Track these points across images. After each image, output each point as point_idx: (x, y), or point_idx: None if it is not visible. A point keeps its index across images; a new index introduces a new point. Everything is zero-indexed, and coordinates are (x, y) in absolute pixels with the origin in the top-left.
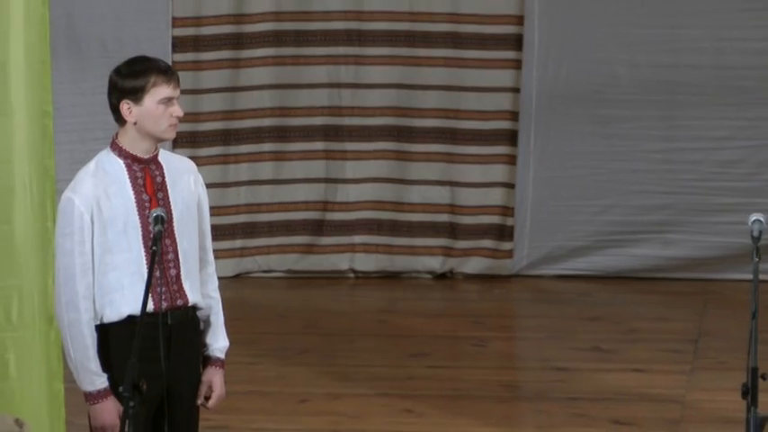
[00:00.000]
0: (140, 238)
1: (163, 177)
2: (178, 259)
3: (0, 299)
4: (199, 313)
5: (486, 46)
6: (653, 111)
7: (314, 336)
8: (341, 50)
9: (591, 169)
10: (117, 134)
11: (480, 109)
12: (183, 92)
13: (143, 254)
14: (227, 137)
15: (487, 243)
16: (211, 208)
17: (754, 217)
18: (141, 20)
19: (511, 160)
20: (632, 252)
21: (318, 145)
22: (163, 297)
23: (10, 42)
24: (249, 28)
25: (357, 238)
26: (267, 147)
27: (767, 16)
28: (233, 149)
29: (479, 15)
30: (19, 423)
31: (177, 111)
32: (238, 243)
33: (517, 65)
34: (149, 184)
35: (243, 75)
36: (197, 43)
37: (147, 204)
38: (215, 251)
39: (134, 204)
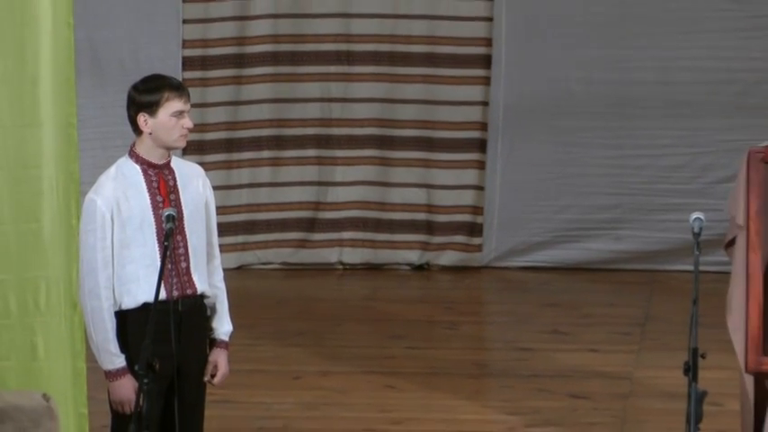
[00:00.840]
0: (155, 234)
1: (175, 181)
2: (188, 253)
3: (29, 288)
4: (206, 301)
5: (459, 65)
6: (604, 122)
7: (307, 320)
8: (331, 69)
9: (550, 174)
10: (134, 143)
11: (453, 120)
12: (193, 105)
13: (157, 248)
14: (230, 145)
15: (460, 238)
16: (217, 208)
17: (694, 215)
18: (155, 42)
19: (480, 166)
20: (587, 246)
21: (311, 152)
22: (174, 287)
23: (40, 63)
24: (250, 49)
25: (345, 234)
26: (265, 154)
27: (705, 39)
28: (235, 156)
29: (453, 38)
30: (46, 398)
31: (188, 122)
32: (240, 239)
33: (486, 81)
34: (162, 187)
35: (244, 90)
36: (204, 63)
37: (160, 205)
38: (220, 246)
39: (149, 205)
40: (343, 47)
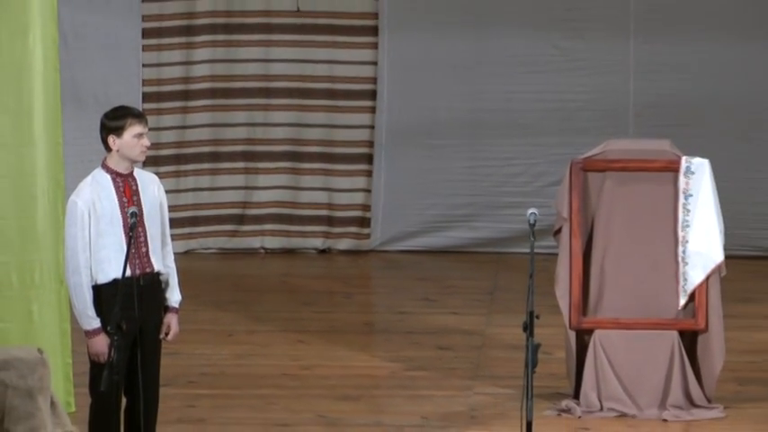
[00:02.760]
0: (122, 227)
1: (137, 186)
2: (147, 241)
3: (27, 267)
4: (161, 277)
5: (352, 97)
6: (462, 140)
7: (237, 292)
8: (255, 101)
9: (421, 179)
10: (105, 158)
11: (347, 140)
12: (150, 129)
13: (123, 237)
14: (178, 159)
15: (353, 229)
16: (168, 206)
17: (530, 210)
18: (122, 81)
19: (368, 174)
20: (449, 234)
21: (240, 164)
22: (137, 266)
23: (34, 98)
24: (193, 86)
25: (266, 227)
26: (205, 165)
27: (539, 77)
28: (182, 167)
29: (347, 77)
30: (40, 351)
31: (146, 142)
32: (187, 230)
33: (372, 110)
34: (127, 191)
35: (189, 118)
36: (159, 97)
37: (126, 204)
38: (171, 235)
39: (117, 204)
40: (263, 84)
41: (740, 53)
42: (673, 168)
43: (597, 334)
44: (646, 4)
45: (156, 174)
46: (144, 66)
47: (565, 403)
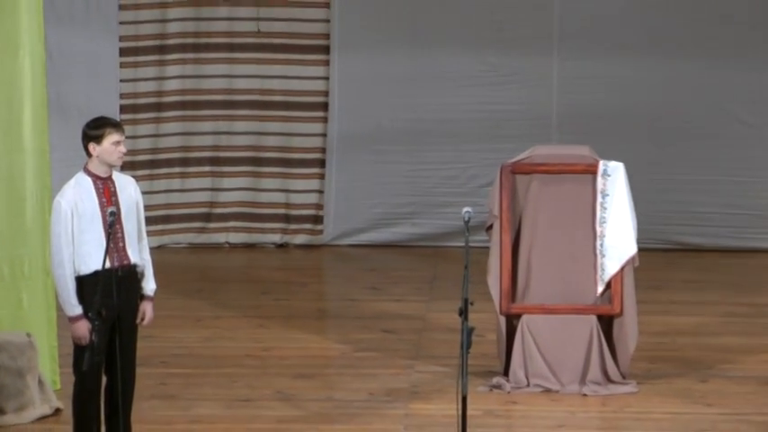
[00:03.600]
0: (101, 224)
1: (115, 188)
2: (125, 237)
3: (17, 261)
4: (137, 269)
5: (306, 109)
6: (404, 147)
7: (205, 282)
8: (220, 112)
9: (368, 182)
10: (87, 163)
11: (303, 147)
12: (127, 137)
13: (103, 234)
14: (152, 164)
15: (307, 226)
16: (144, 206)
17: (465, 209)
18: (102, 95)
19: (321, 177)
20: (393, 230)
21: (207, 168)
22: (115, 259)
23: (24, 110)
24: (166, 99)
25: (230, 224)
26: (176, 170)
27: (471, 90)
28: (156, 171)
29: (301, 91)
30: (29, 335)
31: (123, 149)
32: (160, 227)
33: (325, 120)
34: (107, 192)
35: (162, 127)
36: (135, 108)
37: (105, 204)
38: (147, 231)
39: (97, 204)
40: (227, 97)
41: (651, 69)
42: (591, 171)
43: (524, 318)
44: (567, 25)
45: (133, 177)
46: (121, 81)
47: (496, 380)
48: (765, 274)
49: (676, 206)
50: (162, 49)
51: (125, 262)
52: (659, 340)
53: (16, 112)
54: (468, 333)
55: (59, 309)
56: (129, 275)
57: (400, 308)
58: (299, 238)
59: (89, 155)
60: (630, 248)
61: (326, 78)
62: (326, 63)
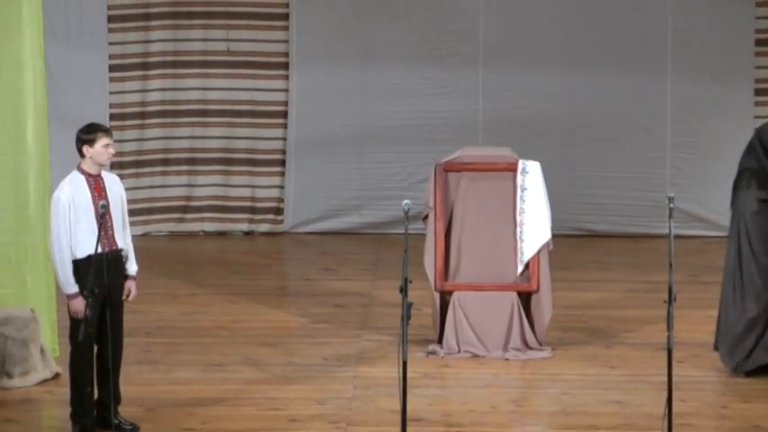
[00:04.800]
0: (94, 215)
1: (104, 185)
2: (113, 226)
3: (22, 246)
4: (123, 253)
5: (269, 116)
6: (354, 149)
7: (182, 264)
8: (195, 120)
9: (322, 178)
10: (80, 163)
11: (266, 149)
12: (115, 141)
13: (95, 223)
14: (137, 164)
15: (270, 216)
16: (128, 200)
17: (405, 201)
18: (93, 104)
19: (282, 174)
20: (344, 219)
21: (184, 168)
22: (105, 245)
23: (27, 118)
24: (148, 108)
25: (204, 215)
26: (158, 169)
27: (410, 100)
28: (140, 170)
29: (266, 101)
30: (32, 311)
31: (112, 151)
32: (143, 218)
33: (284, 126)
34: (98, 188)
35: (146, 132)
36: (122, 116)
37: (96, 198)
38: (131, 222)
39: (90, 198)
40: (202, 107)
41: (563, 81)
42: (512, 169)
43: (456, 295)
44: (490, 45)
45: (120, 175)
46: (110, 93)
47: (431, 347)
48: (660, 255)
49: (584, 198)
50: (145, 66)
51: (114, 247)
52: (570, 312)
53: (21, 120)
54: (407, 307)
55: (58, 288)
56: (117, 258)
57: (349, 286)
58: (263, 227)
59: (82, 156)
60: (545, 235)
61: (286, 90)
62: (286, 77)
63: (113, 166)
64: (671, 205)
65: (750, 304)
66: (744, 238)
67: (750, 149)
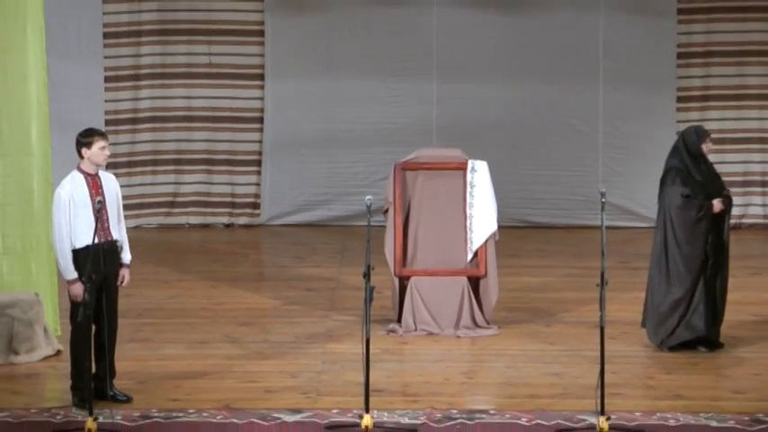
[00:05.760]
0: (91, 209)
1: (101, 182)
2: (108, 219)
3: (27, 238)
4: (117, 243)
5: (247, 122)
6: (323, 150)
7: (170, 253)
8: (181, 125)
9: (294, 176)
10: (79, 163)
11: (245, 150)
12: (110, 143)
13: (92, 217)
14: (130, 164)
15: (248, 210)
16: (123, 196)
17: (367, 197)
18: (91, 111)
19: (259, 173)
20: (314, 213)
21: (171, 167)
22: (101, 236)
23: (32, 123)
24: (140, 114)
25: (190, 209)
26: (148, 168)
27: (368, 108)
28: (133, 170)
29: (244, 108)
30: (37, 295)
31: (107, 152)
32: (135, 212)
33: (261, 130)
34: (95, 186)
35: (137, 136)
36: (117, 122)
37: (94, 195)
38: (125, 216)
39: (88, 195)
40: (187, 113)
41: (508, 90)
42: (462, 168)
43: (413, 279)
44: (443, 59)
45: (115, 174)
46: (106, 101)
47: (391, 326)
48: (594, 244)
49: (527, 194)
50: (136, 77)
51: (109, 238)
52: (514, 295)
53: (25, 125)
54: (370, 291)
55: (60, 274)
56: (112, 248)
57: (319, 272)
58: (242, 220)
59: (81, 157)
60: (492, 226)
61: (262, 99)
62: (261, 87)
63: (108, 166)
64: (603, 200)
65: (674, 288)
66: (669, 228)
67: (675, 150)
